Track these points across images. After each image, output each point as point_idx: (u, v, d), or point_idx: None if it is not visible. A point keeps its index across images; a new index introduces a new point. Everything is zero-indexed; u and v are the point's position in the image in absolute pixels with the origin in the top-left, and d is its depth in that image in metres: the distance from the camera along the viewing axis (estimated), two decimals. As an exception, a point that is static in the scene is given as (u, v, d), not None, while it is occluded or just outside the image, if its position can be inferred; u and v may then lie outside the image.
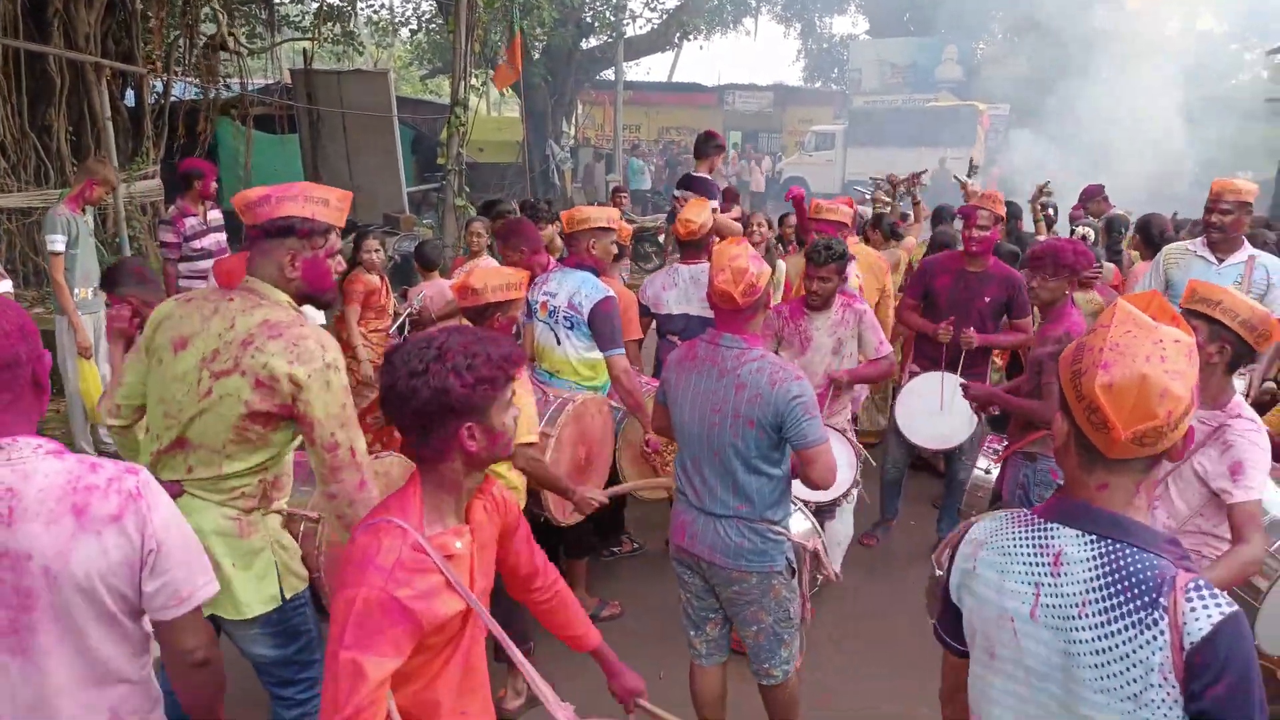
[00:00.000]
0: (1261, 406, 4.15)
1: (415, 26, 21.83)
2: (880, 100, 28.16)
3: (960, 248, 5.92)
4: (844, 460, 3.97)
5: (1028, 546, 1.47)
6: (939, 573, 2.92)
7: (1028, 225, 7.65)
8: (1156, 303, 1.43)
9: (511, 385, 1.72)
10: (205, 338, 2.29)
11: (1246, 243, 4.24)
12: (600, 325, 3.76)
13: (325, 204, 2.35)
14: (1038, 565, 1.43)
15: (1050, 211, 7.44)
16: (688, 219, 4.53)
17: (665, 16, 24.48)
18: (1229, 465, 2.51)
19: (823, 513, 3.86)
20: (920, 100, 26.90)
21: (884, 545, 5.06)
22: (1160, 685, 1.28)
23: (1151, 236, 5.33)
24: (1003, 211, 4.57)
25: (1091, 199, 7.62)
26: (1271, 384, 4.79)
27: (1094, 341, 1.37)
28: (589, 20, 22.34)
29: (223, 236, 6.46)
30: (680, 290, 4.66)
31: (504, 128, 22.12)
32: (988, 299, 4.53)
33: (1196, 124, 21.19)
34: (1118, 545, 1.37)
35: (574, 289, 3.83)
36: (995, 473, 4.09)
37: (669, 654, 3.79)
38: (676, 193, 5.79)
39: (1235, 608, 1.30)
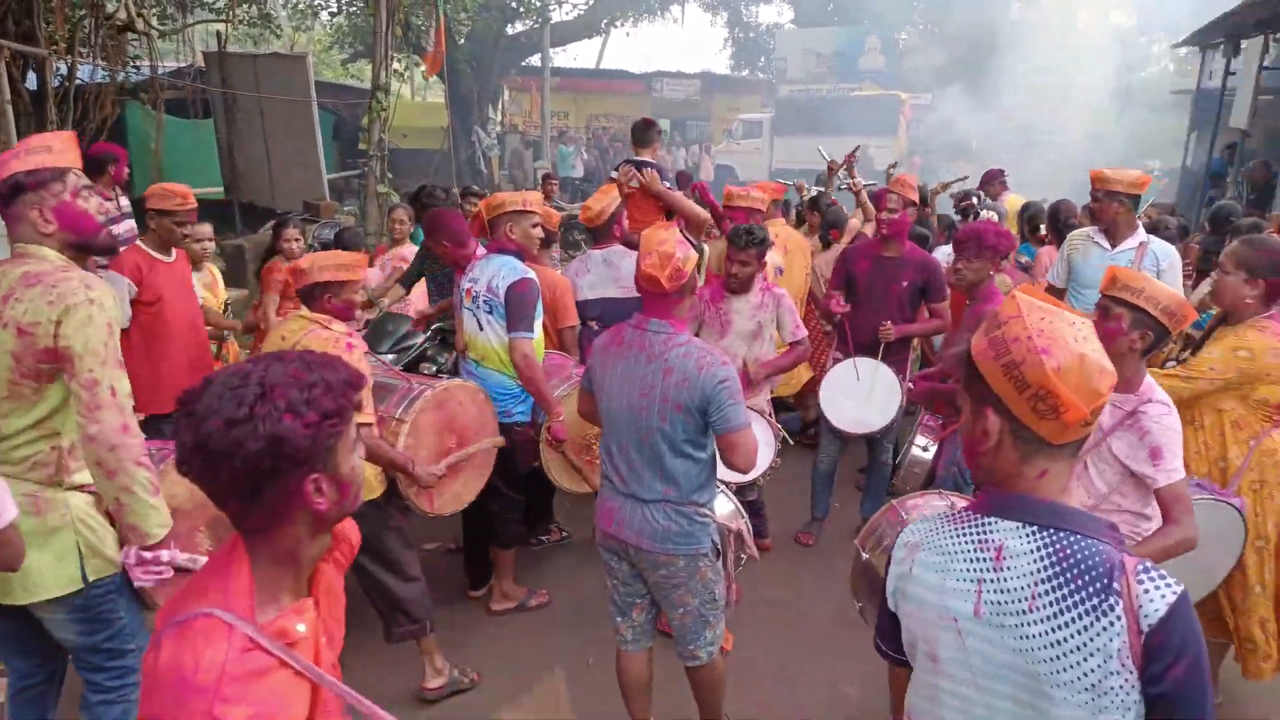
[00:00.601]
0: None
1: (335, 9, 21.28)
2: (806, 89, 28.49)
3: (841, 229, 6.11)
4: (763, 440, 4.03)
5: (967, 543, 1.43)
6: (865, 556, 2.99)
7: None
8: (1032, 293, 1.44)
9: (356, 417, 1.36)
10: None
11: (1141, 229, 4.41)
12: (511, 305, 3.70)
13: (48, 151, 2.35)
14: (979, 562, 1.41)
15: (974, 200, 7.66)
16: (587, 205, 4.69)
17: (592, 2, 24.33)
18: (1148, 451, 2.59)
19: (741, 491, 3.90)
20: (845, 89, 27.30)
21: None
22: (1119, 672, 1.28)
23: (1056, 223, 5.51)
24: (914, 196, 4.69)
25: (989, 183, 7.92)
26: (1172, 364, 5.01)
27: (1014, 331, 1.35)
28: (514, 5, 22.08)
29: (134, 224, 6.23)
30: (594, 275, 4.67)
31: (428, 113, 21.70)
32: (905, 283, 4.63)
33: (1108, 114, 22.01)
34: (1061, 534, 1.35)
35: (493, 273, 3.79)
36: (933, 450, 4.17)
37: (597, 641, 3.80)
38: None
39: (1183, 587, 1.30)
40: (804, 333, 4.34)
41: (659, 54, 68.85)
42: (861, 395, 4.61)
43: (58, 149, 2.37)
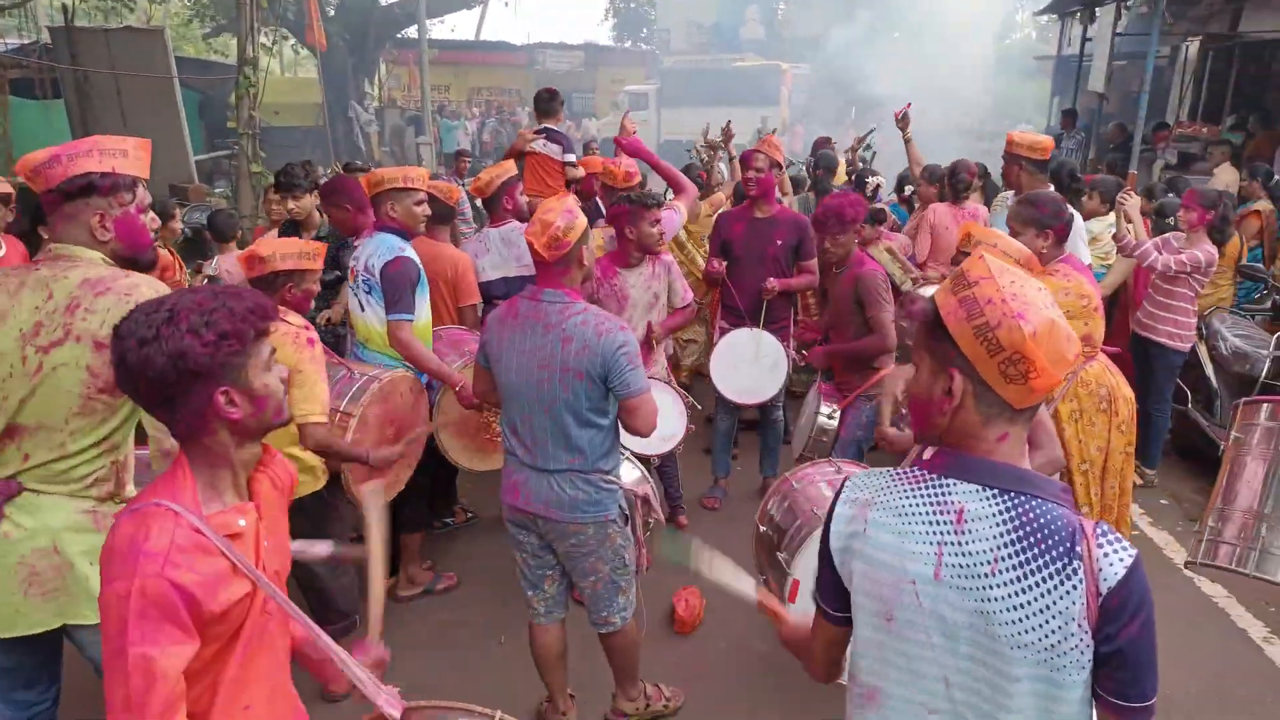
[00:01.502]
0: None
1: (194, -20, 20.16)
2: (689, 60, 28.56)
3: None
4: (674, 410, 4.02)
5: (925, 505, 1.41)
6: (763, 529, 3.03)
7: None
8: (995, 255, 1.44)
9: (266, 341, 1.58)
10: (19, 313, 2.11)
11: (1050, 188, 4.60)
12: (386, 286, 3.58)
13: (124, 155, 2.20)
14: (939, 524, 1.38)
15: (861, 165, 7.85)
16: (479, 176, 4.66)
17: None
18: None
19: (649, 461, 3.90)
20: (727, 60, 27.49)
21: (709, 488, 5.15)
22: (1076, 634, 1.30)
23: (957, 182, 5.67)
24: (779, 157, 4.81)
25: (819, 149, 8.20)
26: None
27: (988, 293, 1.32)
28: (387, -25, 21.33)
29: None
30: (494, 254, 4.57)
31: (300, 89, 20.85)
32: (780, 241, 4.69)
33: (982, 80, 22.87)
34: (1023, 498, 1.35)
35: (371, 252, 3.66)
36: (838, 418, 4.22)
37: (507, 618, 3.76)
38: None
39: (1136, 550, 1.33)
40: (691, 295, 4.37)
41: (540, 27, 67.70)
42: (750, 366, 4.67)
43: (132, 156, 2.21)
